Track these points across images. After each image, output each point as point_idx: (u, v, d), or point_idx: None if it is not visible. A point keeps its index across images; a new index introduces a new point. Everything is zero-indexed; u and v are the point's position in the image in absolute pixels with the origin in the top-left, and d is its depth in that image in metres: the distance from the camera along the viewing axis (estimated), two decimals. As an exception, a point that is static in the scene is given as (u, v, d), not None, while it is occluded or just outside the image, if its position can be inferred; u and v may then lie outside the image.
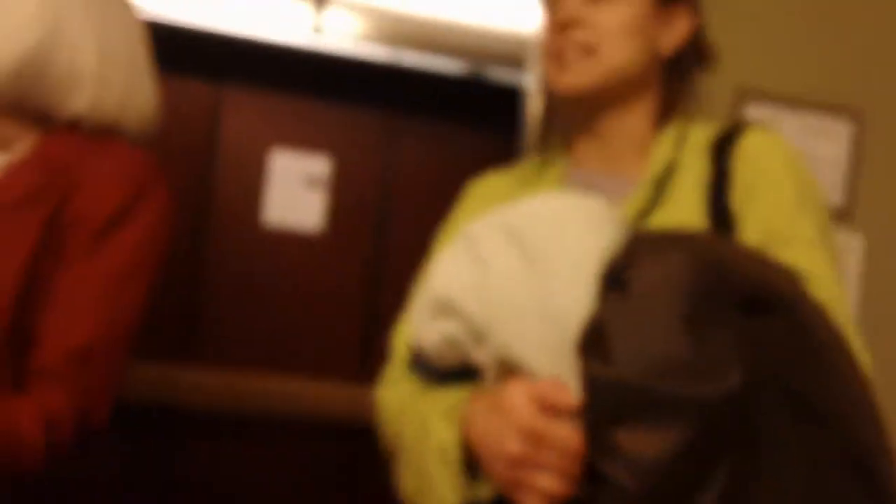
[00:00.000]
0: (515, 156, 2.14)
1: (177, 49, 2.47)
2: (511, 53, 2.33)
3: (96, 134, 1.12)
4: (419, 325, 0.93)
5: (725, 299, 0.73)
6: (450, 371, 0.92)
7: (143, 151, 1.14)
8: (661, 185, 1.02)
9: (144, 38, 1.21)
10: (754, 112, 1.86)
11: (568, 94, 1.06)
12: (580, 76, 1.04)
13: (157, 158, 1.15)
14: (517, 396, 0.80)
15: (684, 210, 0.99)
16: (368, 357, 2.74)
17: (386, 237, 2.80)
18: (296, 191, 2.71)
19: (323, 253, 2.74)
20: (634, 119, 1.08)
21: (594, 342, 0.75)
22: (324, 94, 2.73)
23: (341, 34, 2.39)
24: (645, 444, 0.70)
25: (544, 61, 1.09)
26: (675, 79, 1.10)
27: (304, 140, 2.73)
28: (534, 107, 2.02)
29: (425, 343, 0.91)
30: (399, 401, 1.01)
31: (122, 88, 1.13)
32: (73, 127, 1.11)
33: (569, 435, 0.77)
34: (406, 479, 0.96)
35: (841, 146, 1.93)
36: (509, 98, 2.35)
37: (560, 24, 1.05)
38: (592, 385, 0.75)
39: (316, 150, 2.73)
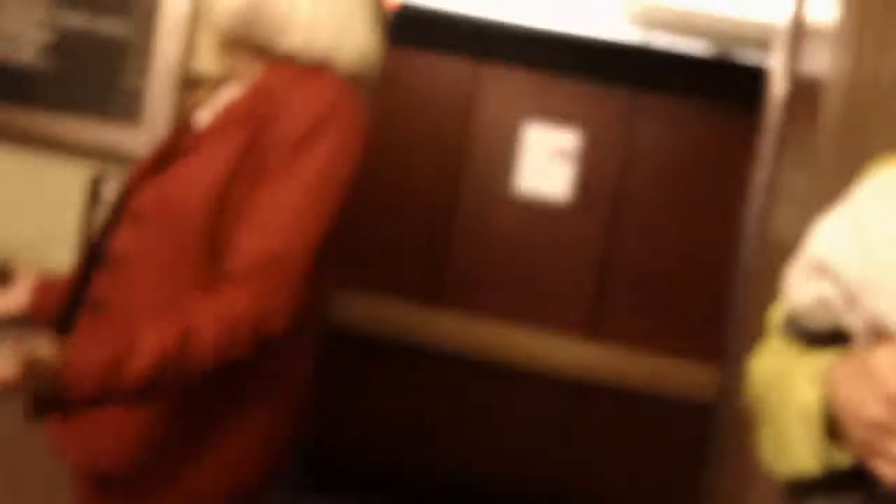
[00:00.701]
0: (756, 136, 2.21)
1: (441, 30, 2.78)
2: (757, 36, 2.39)
3: (309, 68, 1.25)
4: (794, 287, 0.93)
5: None
6: (822, 334, 0.92)
7: (341, 80, 1.24)
8: None
9: None
10: None
11: None
12: None
13: (354, 88, 1.25)
14: (884, 360, 0.79)
15: None
16: (598, 315, 2.93)
17: (625, 208, 2.94)
18: (545, 162, 2.92)
19: (565, 220, 2.95)
20: None
21: None
22: (575, 72, 2.92)
23: (597, 19, 2.55)
24: None
25: None
26: None
27: (555, 114, 2.93)
28: (777, 88, 2.08)
29: (798, 304, 0.92)
30: (768, 368, 1.00)
31: (333, 31, 1.27)
32: (289, 61, 1.25)
33: None
34: (766, 441, 0.96)
35: None
36: (753, 79, 2.40)
37: None
38: None
39: (566, 124, 2.92)
